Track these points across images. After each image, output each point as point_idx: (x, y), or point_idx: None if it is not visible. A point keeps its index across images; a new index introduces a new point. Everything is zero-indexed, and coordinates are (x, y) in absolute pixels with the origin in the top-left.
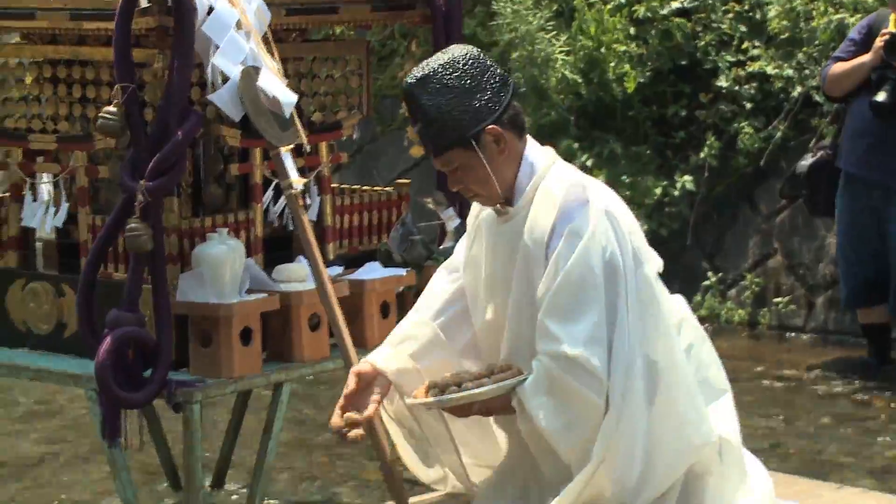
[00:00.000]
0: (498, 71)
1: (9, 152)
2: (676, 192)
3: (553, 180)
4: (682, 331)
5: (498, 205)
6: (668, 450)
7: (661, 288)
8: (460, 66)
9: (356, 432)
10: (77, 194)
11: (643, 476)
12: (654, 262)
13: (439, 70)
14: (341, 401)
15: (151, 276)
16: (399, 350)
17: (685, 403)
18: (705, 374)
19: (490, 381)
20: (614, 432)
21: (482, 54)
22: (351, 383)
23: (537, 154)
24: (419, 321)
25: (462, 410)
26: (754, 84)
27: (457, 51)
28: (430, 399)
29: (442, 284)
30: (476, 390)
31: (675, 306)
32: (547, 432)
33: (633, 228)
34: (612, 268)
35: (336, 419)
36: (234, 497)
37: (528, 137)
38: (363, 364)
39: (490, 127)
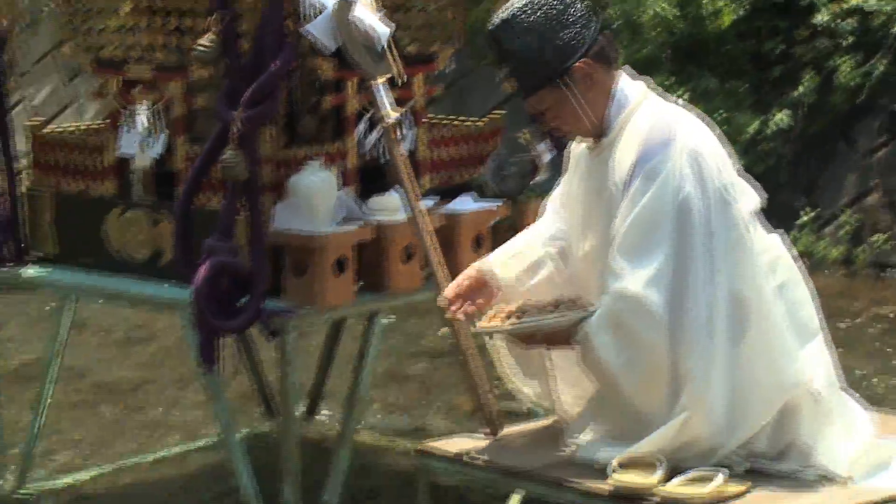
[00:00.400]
0: (580, 5)
1: (106, 82)
2: (771, 129)
3: (641, 116)
4: (777, 270)
5: (590, 139)
6: (758, 390)
7: (754, 227)
8: (541, 4)
9: (459, 314)
10: (173, 123)
11: (734, 417)
12: (748, 201)
13: (519, 12)
14: (456, 282)
15: (247, 204)
16: (512, 262)
17: (775, 343)
18: (798, 315)
19: (554, 312)
20: (701, 375)
21: None
22: (471, 272)
23: (629, 88)
24: (532, 242)
25: (525, 340)
26: (853, 19)
27: None
28: (493, 326)
29: (547, 219)
30: (536, 321)
31: (771, 245)
32: (609, 370)
33: (723, 167)
34: (686, 210)
35: (449, 290)
36: (327, 425)
37: (622, 70)
38: (483, 263)
39: (577, 64)
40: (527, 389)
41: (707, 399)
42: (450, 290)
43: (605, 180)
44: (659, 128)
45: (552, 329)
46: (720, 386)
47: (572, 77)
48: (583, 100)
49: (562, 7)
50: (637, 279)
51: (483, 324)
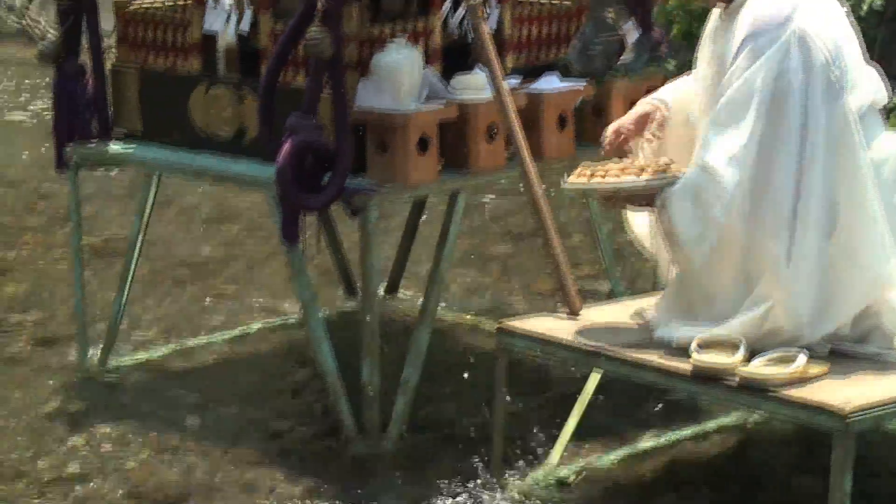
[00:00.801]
0: None
1: None
2: (864, 10)
3: None
4: (883, 170)
5: (723, 3)
6: (847, 287)
7: (870, 121)
8: None
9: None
10: (259, 0)
11: (820, 311)
12: (864, 94)
13: None
14: (620, 121)
15: (331, 82)
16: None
17: (869, 243)
18: None
19: (640, 176)
20: (786, 265)
21: None
22: (639, 108)
23: None
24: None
25: (607, 199)
26: None
27: None
28: (578, 183)
29: (686, 83)
30: (615, 183)
31: (884, 143)
32: (680, 241)
33: (839, 56)
34: (783, 95)
35: (611, 126)
36: (408, 305)
37: None
38: (645, 105)
39: None
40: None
41: (792, 290)
42: (612, 126)
43: (723, 48)
44: (776, 7)
45: (632, 192)
46: (807, 279)
47: None
48: None
49: None
50: (719, 154)
51: (571, 180)
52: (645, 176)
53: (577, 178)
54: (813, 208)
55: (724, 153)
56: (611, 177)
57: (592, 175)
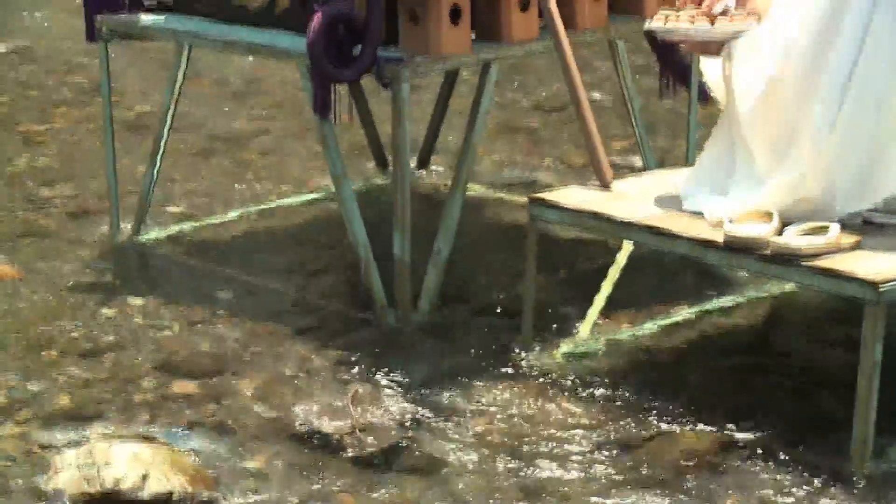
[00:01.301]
0: None
1: None
2: None
3: None
4: None
5: None
6: (887, 165)
7: None
8: None
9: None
10: None
11: (855, 187)
12: None
13: None
14: None
15: None
16: None
17: None
18: None
19: (712, 22)
20: (824, 133)
21: None
22: None
23: None
24: None
25: (681, 43)
26: None
27: None
28: (655, 25)
29: None
30: (686, 27)
31: None
32: (734, 90)
33: None
34: None
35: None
36: (439, 178)
37: None
38: None
39: None
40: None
41: (830, 160)
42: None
43: None
44: None
45: (702, 38)
46: (847, 151)
47: None
48: None
49: None
50: (787, 12)
51: (648, 23)
52: (718, 24)
53: (654, 21)
54: (870, 79)
55: (792, 9)
56: (685, 22)
57: (667, 20)
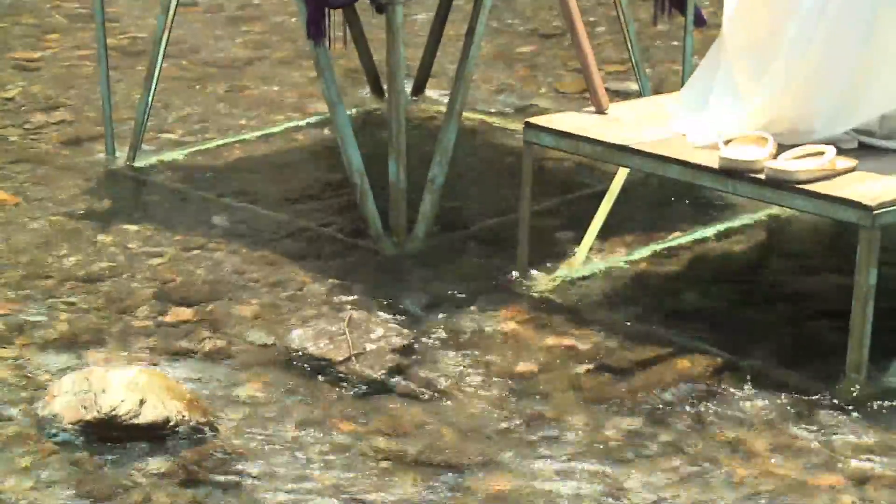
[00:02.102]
0: None
1: None
2: None
3: None
4: None
5: None
6: (877, 87)
7: None
8: None
9: None
10: None
11: (841, 106)
12: None
13: None
14: None
15: None
16: None
17: None
18: None
19: None
20: (797, 51)
21: None
22: None
23: None
24: None
25: None
26: None
27: None
28: None
29: None
30: None
31: None
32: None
33: None
34: None
35: None
36: (434, 104)
37: None
38: None
39: None
40: None
41: (800, 78)
42: None
43: None
44: None
45: None
46: (825, 70)
47: None
48: None
49: None
50: None
51: None
52: None
53: None
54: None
55: None
56: None
57: None
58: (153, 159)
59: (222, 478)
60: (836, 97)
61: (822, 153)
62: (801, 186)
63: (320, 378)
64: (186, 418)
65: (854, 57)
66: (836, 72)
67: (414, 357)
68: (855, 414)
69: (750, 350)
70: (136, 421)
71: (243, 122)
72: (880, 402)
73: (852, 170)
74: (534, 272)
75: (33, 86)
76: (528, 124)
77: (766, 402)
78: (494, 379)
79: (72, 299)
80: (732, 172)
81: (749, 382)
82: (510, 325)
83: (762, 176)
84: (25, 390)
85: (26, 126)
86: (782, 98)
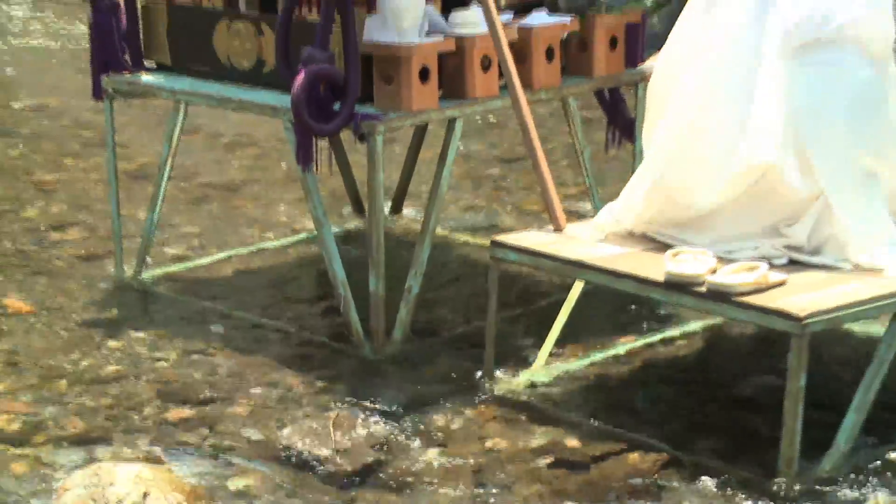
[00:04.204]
0: None
1: None
2: None
3: None
4: None
5: None
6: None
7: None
8: None
9: None
10: None
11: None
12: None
13: None
14: None
15: (341, 18)
16: None
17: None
18: None
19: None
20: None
21: None
22: None
23: None
24: None
25: None
26: None
27: None
28: None
29: None
30: None
31: None
32: None
33: None
34: None
35: None
36: (410, 222)
37: None
38: None
39: None
40: None
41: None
42: None
43: None
44: None
45: None
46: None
47: None
48: None
49: None
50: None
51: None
52: None
53: None
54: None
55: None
56: None
57: None
58: (158, 272)
59: None
60: (708, 168)
61: (756, 268)
62: (738, 299)
63: (307, 472)
64: None
65: (723, 133)
66: (704, 147)
67: (390, 453)
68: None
69: (694, 445)
70: None
71: (239, 238)
72: (811, 494)
73: (784, 283)
74: (499, 374)
75: (51, 206)
76: (493, 241)
77: (708, 494)
78: (462, 472)
79: (83, 400)
80: (677, 286)
81: (693, 475)
82: (478, 423)
83: (703, 289)
84: (40, 485)
85: (44, 243)
86: (667, 172)
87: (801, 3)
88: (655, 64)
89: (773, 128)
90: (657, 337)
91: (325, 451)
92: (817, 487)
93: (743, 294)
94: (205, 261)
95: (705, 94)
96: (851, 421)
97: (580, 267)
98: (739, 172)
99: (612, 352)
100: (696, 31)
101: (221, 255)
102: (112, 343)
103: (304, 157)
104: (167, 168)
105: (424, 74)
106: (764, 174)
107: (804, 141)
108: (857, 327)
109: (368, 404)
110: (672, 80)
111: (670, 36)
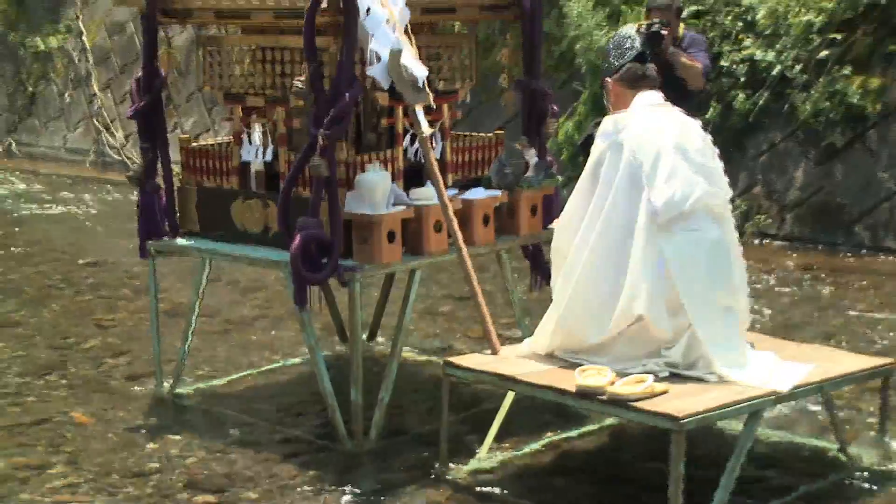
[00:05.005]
0: (631, 42)
1: (233, 110)
2: None
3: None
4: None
5: None
6: (589, 316)
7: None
8: (616, 36)
9: None
10: (278, 139)
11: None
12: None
13: (611, 39)
14: None
15: (327, 194)
16: None
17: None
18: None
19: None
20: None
21: (629, 33)
22: None
23: (641, 100)
24: None
25: None
26: (745, 65)
27: (623, 29)
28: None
29: None
30: None
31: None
32: None
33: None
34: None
35: None
36: (382, 348)
37: (649, 90)
38: None
39: (606, 80)
40: None
41: (557, 308)
42: None
43: None
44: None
45: None
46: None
47: (605, 89)
48: (609, 104)
49: (616, 42)
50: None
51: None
52: None
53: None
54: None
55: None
56: None
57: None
58: (189, 388)
59: None
60: (597, 315)
61: (644, 380)
62: (632, 405)
63: None
64: None
65: (607, 285)
66: (592, 296)
67: None
68: None
69: None
70: None
71: (251, 361)
72: None
73: (666, 392)
74: (452, 464)
75: (108, 338)
76: (445, 362)
77: None
78: None
79: (129, 490)
80: (585, 395)
81: None
82: (437, 503)
83: (605, 397)
84: None
85: (101, 367)
86: (566, 315)
87: (663, 188)
88: (556, 225)
89: (643, 286)
90: (572, 433)
91: None
92: None
93: (635, 400)
94: (225, 379)
95: (590, 257)
96: (719, 496)
97: (511, 381)
98: (618, 320)
99: (536, 445)
100: (584, 203)
101: (238, 374)
102: (151, 445)
103: (300, 298)
104: (196, 308)
105: (391, 236)
106: (638, 320)
107: (676, 290)
108: (722, 424)
109: (349, 489)
110: (567, 242)
111: (567, 204)
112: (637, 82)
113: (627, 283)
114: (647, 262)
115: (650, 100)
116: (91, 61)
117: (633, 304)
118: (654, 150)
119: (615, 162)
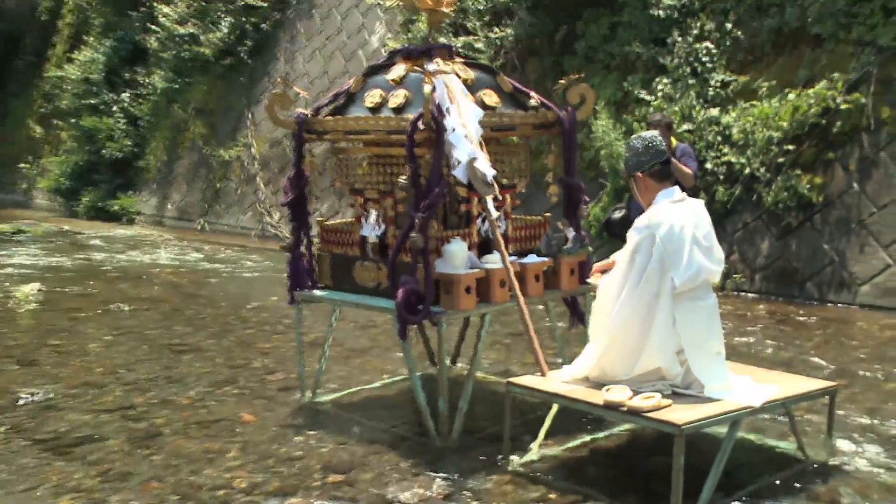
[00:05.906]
0: (656, 142)
1: (356, 199)
2: None
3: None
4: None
5: None
6: (625, 357)
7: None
8: (641, 137)
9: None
10: (387, 220)
11: (625, 364)
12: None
13: (637, 138)
14: (600, 264)
15: (422, 260)
16: None
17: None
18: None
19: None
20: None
21: (655, 138)
22: (606, 262)
23: (664, 194)
24: None
25: None
26: (724, 166)
27: (647, 133)
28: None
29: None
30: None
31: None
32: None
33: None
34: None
35: (595, 267)
36: (461, 369)
37: (670, 185)
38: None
39: (637, 173)
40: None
41: (596, 349)
42: (595, 267)
43: None
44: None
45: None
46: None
47: (636, 179)
48: (638, 192)
49: (645, 144)
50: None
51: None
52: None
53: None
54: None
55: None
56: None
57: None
58: (324, 398)
59: None
60: (627, 360)
61: (653, 396)
62: (644, 414)
63: None
64: None
65: (635, 339)
66: (624, 346)
67: (451, 500)
68: None
69: (624, 497)
70: None
71: (368, 378)
72: None
73: (670, 405)
74: (512, 457)
75: (267, 361)
76: (508, 382)
77: None
78: None
79: (281, 469)
80: (609, 407)
81: None
82: (499, 485)
83: (625, 409)
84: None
85: (262, 381)
86: (602, 357)
87: (682, 273)
88: (598, 290)
89: (663, 344)
90: (600, 435)
91: (411, 498)
92: None
93: (647, 411)
94: (348, 391)
95: (626, 319)
96: (709, 482)
97: (556, 396)
98: (642, 367)
99: (574, 443)
100: (622, 279)
101: (356, 388)
102: (297, 438)
103: (403, 334)
104: (328, 340)
105: (468, 290)
106: (657, 369)
107: (684, 343)
108: (712, 430)
109: (437, 473)
110: (606, 302)
111: (609, 275)
112: (663, 179)
113: (649, 344)
114: (666, 324)
115: (673, 195)
116: (258, 165)
117: (653, 359)
118: (678, 243)
119: (648, 249)
